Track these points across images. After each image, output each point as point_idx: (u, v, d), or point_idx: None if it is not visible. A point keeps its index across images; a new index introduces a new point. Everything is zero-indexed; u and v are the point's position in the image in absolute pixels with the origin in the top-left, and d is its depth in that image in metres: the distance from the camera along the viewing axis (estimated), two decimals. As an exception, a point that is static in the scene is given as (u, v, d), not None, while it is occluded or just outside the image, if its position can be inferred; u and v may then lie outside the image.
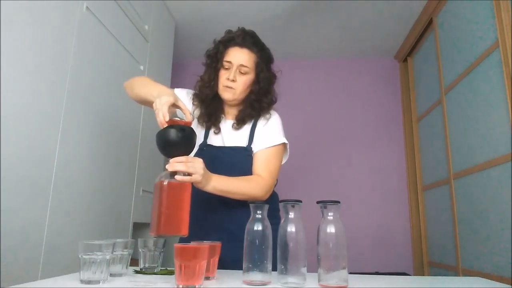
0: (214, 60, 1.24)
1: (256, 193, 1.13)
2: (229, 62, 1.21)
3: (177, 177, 0.93)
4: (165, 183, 0.93)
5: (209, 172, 1.04)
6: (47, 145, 1.37)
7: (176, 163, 0.94)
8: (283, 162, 1.27)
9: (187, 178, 0.95)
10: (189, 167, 0.95)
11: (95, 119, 1.70)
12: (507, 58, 1.60)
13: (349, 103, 3.20)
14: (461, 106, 2.07)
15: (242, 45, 1.21)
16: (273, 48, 1.30)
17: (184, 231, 0.93)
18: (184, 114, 1.04)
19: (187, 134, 0.97)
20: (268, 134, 1.23)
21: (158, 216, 0.91)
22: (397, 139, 3.09)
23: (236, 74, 1.20)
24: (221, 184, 1.07)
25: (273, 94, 1.28)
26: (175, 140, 0.95)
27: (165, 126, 0.97)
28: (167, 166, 0.95)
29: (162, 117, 0.97)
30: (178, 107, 1.04)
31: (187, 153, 0.99)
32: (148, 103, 1.13)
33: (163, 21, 2.55)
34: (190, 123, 1.02)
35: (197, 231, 1.11)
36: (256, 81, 1.24)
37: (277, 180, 1.24)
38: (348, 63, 3.30)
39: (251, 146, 1.22)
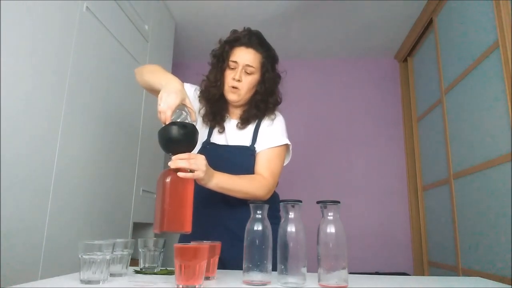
0: (220, 60, 1.24)
1: (258, 192, 1.13)
2: (235, 62, 1.21)
3: (180, 174, 0.93)
4: (168, 180, 0.92)
5: (212, 169, 1.04)
6: (47, 145, 1.37)
7: (178, 160, 0.94)
8: (285, 164, 1.27)
9: (189, 174, 0.95)
10: (191, 164, 0.95)
11: (95, 119, 1.70)
12: (507, 58, 1.60)
13: (349, 103, 3.20)
14: (461, 106, 2.06)
15: (248, 45, 1.21)
16: (273, 48, 1.30)
17: (187, 228, 0.93)
18: (189, 113, 1.04)
19: (189, 131, 0.97)
20: (272, 135, 1.23)
21: (161, 213, 0.91)
22: (397, 139, 3.09)
23: (242, 74, 1.20)
24: (223, 182, 1.07)
25: (278, 95, 1.29)
26: (177, 137, 0.95)
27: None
28: (169, 163, 0.95)
29: (164, 120, 0.97)
30: (184, 105, 1.04)
31: (189, 150, 0.99)
32: (155, 92, 1.11)
33: (163, 21, 2.55)
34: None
35: (198, 230, 1.11)
36: (262, 81, 1.24)
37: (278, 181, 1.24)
38: (348, 63, 3.30)
39: (254, 145, 1.22)
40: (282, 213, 0.87)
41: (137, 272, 0.98)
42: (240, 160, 1.21)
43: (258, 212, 0.87)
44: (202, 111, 1.28)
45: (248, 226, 0.86)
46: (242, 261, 0.86)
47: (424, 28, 2.61)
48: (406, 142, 3.01)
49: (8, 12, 1.20)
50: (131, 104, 2.07)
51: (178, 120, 0.99)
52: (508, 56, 1.60)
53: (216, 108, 1.26)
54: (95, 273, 0.80)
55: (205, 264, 0.79)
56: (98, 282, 0.80)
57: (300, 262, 0.82)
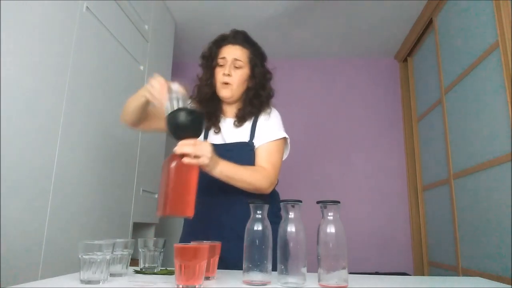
0: (209, 59, 1.28)
1: (261, 184, 1.14)
2: (223, 58, 1.24)
3: (185, 159, 0.94)
4: (173, 165, 0.93)
5: (217, 157, 1.05)
6: (47, 145, 1.37)
7: (184, 146, 0.95)
8: (284, 158, 1.28)
9: (194, 160, 0.95)
10: (197, 150, 0.96)
11: (95, 119, 1.70)
12: (507, 58, 1.60)
13: (349, 103, 3.20)
14: (461, 106, 2.06)
15: (234, 42, 1.26)
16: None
17: (190, 212, 0.94)
18: (178, 92, 1.05)
19: (196, 117, 0.99)
20: (270, 129, 1.24)
21: (165, 197, 0.91)
22: (397, 139, 3.09)
23: (231, 69, 1.23)
24: (228, 170, 1.07)
25: (270, 89, 1.30)
26: (185, 123, 0.97)
27: (173, 109, 0.99)
28: (175, 149, 0.95)
29: (158, 84, 1.02)
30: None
31: (196, 136, 1.00)
32: (141, 109, 1.16)
33: (163, 21, 2.55)
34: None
35: (198, 227, 1.11)
36: (252, 76, 1.26)
37: (278, 179, 1.24)
38: (348, 63, 3.30)
39: (253, 141, 1.23)
40: (282, 213, 0.87)
41: (137, 272, 0.98)
42: (240, 156, 1.21)
43: (258, 212, 0.87)
44: None
45: (248, 226, 0.86)
46: (241, 258, 0.86)
47: (424, 28, 2.61)
48: (406, 142, 3.01)
49: (8, 12, 1.20)
50: (131, 104, 2.06)
51: (175, 103, 1.01)
52: (508, 56, 1.60)
53: (210, 108, 1.28)
54: (95, 273, 0.80)
55: (205, 264, 0.79)
56: (98, 282, 0.80)
57: (300, 262, 0.82)
